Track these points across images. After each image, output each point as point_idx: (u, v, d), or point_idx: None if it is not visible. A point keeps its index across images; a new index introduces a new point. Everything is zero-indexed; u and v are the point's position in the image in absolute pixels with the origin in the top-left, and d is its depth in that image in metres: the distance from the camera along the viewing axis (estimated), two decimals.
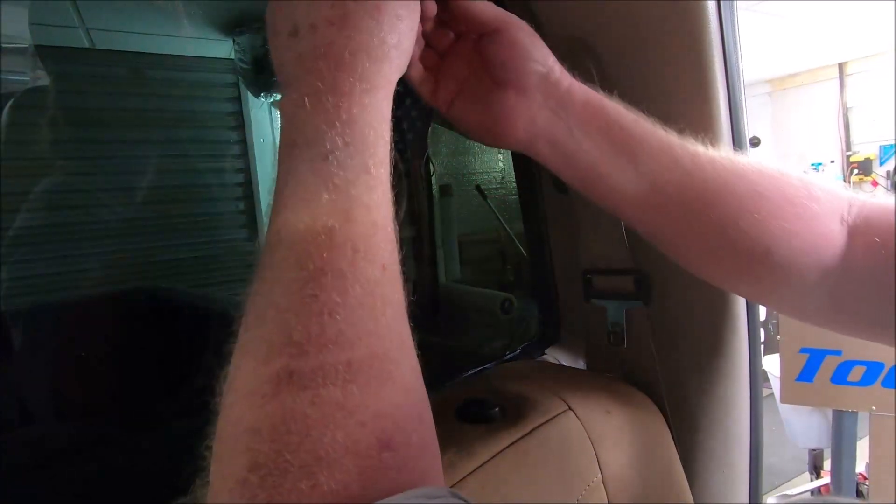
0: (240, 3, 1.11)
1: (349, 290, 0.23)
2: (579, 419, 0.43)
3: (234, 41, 1.19)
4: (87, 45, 1.13)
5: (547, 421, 0.42)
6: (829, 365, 1.28)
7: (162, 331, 0.88)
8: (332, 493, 0.20)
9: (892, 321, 0.34)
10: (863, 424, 1.32)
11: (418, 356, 0.26)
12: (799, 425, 1.88)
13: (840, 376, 1.29)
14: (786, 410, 1.88)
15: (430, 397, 0.25)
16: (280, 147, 0.26)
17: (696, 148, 0.36)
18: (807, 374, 1.32)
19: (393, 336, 0.24)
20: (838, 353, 1.27)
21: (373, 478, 0.21)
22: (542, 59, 0.36)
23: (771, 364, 2.03)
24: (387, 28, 0.28)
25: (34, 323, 0.77)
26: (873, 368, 1.22)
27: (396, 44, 0.28)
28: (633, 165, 0.36)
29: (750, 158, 0.37)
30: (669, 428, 0.48)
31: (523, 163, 0.64)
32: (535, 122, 0.36)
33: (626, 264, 0.50)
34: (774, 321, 2.30)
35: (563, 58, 0.37)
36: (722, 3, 0.43)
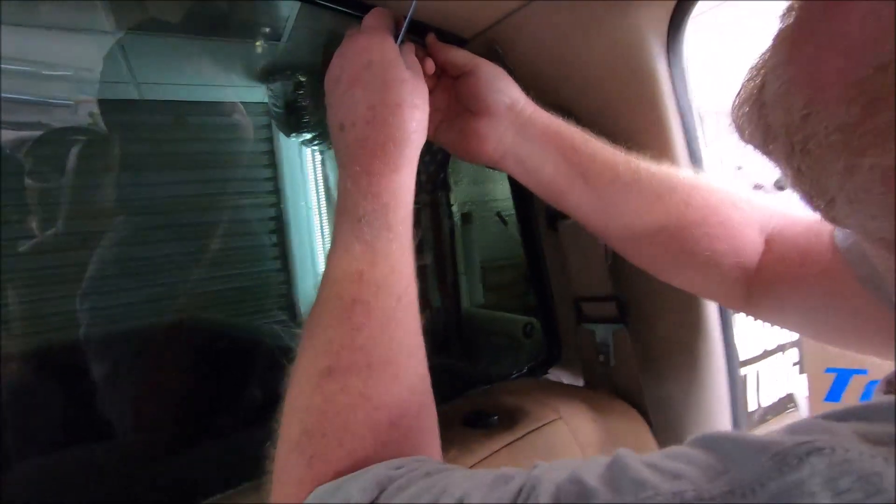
0: (273, 54, 1.21)
1: (372, 314, 0.32)
2: (568, 427, 0.48)
3: (267, 87, 1.30)
4: (136, 97, 1.25)
5: (539, 427, 0.47)
6: (856, 385, 1.27)
7: (205, 358, 0.96)
8: (353, 452, 0.28)
9: (800, 322, 0.39)
10: None
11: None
12: None
13: (868, 396, 1.27)
14: None
15: (442, 408, 0.33)
16: (335, 212, 0.36)
17: (638, 164, 0.43)
18: (834, 394, 1.30)
19: (402, 347, 0.32)
20: (864, 372, 1.26)
21: (382, 445, 0.29)
22: (507, 90, 0.44)
23: (801, 386, 1.98)
24: (407, 118, 0.36)
25: (98, 351, 0.86)
26: None
27: (416, 128, 0.36)
28: (583, 180, 0.43)
29: (689, 173, 0.43)
30: (655, 437, 0.52)
31: (522, 202, 0.69)
32: (502, 141, 0.43)
33: (608, 291, 0.55)
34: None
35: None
36: (672, 64, 0.50)
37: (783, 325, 0.43)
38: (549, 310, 0.69)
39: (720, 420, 0.53)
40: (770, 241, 0.41)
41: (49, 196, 0.95)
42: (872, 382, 1.26)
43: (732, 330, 0.52)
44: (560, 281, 0.66)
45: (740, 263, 0.41)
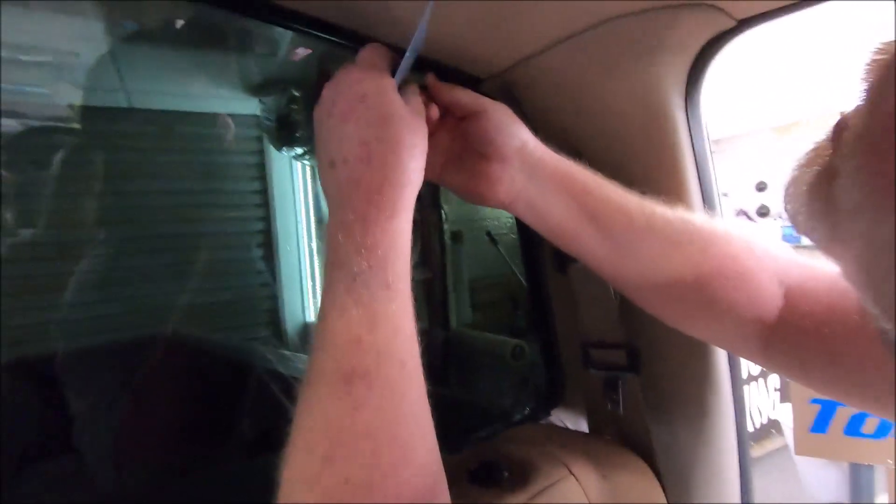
0: (266, 68, 1.19)
1: (374, 386, 0.28)
2: (580, 484, 0.46)
3: (259, 100, 1.28)
4: (126, 104, 1.21)
5: (550, 485, 0.46)
6: (842, 416, 1.26)
7: (183, 378, 0.92)
8: None
9: (821, 381, 0.38)
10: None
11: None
12: (815, 478, 1.84)
13: (853, 428, 1.27)
14: (802, 463, 1.84)
15: (444, 460, 0.30)
16: (325, 264, 0.32)
17: (653, 209, 0.41)
18: (820, 426, 1.30)
19: (410, 421, 0.29)
20: None
21: None
22: (517, 133, 0.41)
23: (785, 414, 1.99)
24: (406, 158, 0.33)
25: (64, 367, 0.82)
26: (887, 420, 1.21)
27: (414, 167, 0.33)
28: (594, 224, 0.41)
29: (705, 219, 0.42)
30: (664, 489, 0.51)
31: (528, 245, 0.69)
32: (513, 184, 0.41)
33: (618, 339, 0.54)
34: None
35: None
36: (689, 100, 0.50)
37: (802, 381, 0.42)
38: (554, 351, 0.67)
39: (729, 473, 0.52)
40: (790, 295, 0.40)
41: (27, 203, 0.92)
42: (858, 415, 1.26)
43: (741, 377, 0.51)
44: (565, 322, 0.64)
45: (758, 315, 0.40)
